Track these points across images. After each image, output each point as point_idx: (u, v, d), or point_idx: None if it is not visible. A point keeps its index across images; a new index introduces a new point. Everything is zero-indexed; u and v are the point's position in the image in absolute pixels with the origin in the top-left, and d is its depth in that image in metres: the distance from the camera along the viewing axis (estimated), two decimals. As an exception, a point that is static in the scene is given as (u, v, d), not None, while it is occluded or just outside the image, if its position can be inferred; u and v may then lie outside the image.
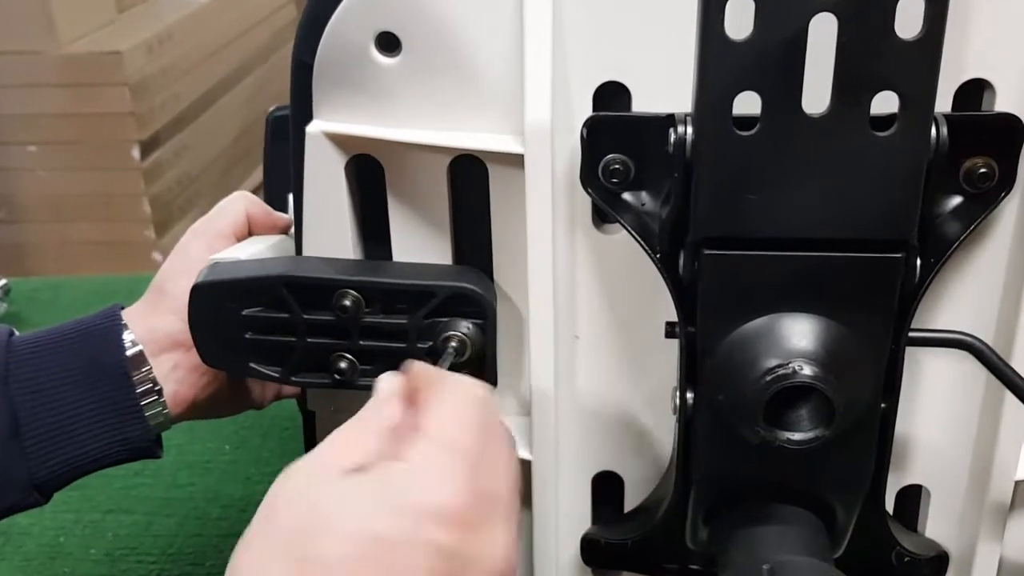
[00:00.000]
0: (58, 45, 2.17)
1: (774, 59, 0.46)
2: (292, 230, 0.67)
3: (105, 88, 2.21)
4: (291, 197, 0.64)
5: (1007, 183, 0.52)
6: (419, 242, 0.61)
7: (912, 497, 0.64)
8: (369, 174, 0.61)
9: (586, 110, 0.55)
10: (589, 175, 0.54)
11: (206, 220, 0.70)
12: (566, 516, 0.63)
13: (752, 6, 0.45)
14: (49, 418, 0.64)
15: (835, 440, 0.50)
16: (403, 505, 0.43)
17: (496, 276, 0.61)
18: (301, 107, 0.60)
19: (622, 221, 0.54)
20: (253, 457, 1.04)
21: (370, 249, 0.63)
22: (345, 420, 0.64)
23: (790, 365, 0.49)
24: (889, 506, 0.62)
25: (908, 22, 0.45)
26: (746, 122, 0.47)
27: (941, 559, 0.62)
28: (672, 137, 0.49)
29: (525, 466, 0.61)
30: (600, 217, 0.58)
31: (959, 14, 0.51)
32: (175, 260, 0.69)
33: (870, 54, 0.45)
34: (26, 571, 0.91)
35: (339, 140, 0.59)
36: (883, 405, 0.53)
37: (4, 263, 2.22)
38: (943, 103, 0.52)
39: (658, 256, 0.53)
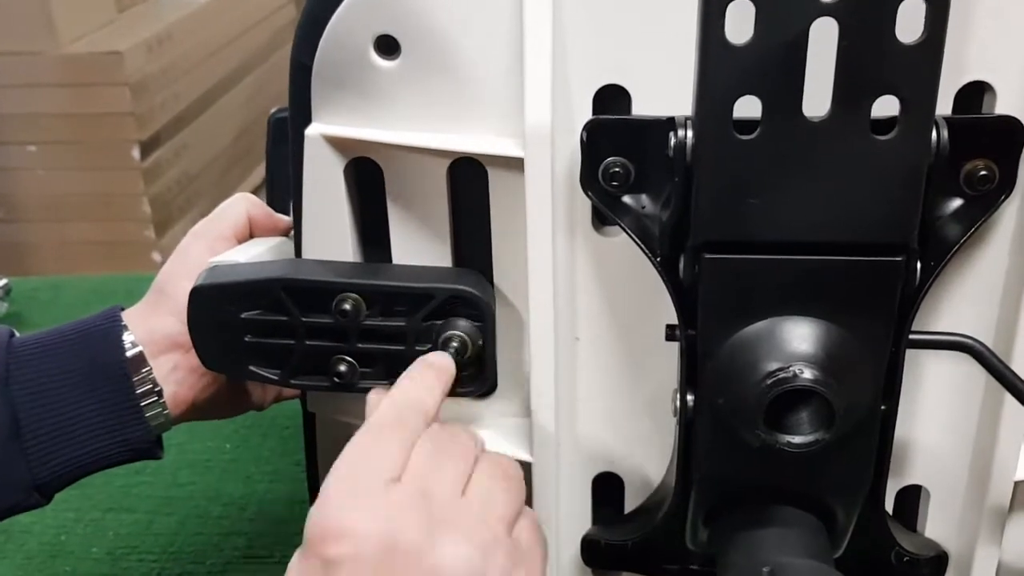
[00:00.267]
0: (58, 45, 2.17)
1: (775, 63, 0.46)
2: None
3: (105, 88, 2.21)
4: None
5: (1007, 186, 0.52)
6: (419, 245, 0.61)
7: (912, 497, 0.64)
8: (368, 177, 0.60)
9: (586, 113, 0.55)
10: (589, 178, 0.54)
11: (207, 222, 0.70)
12: (566, 517, 0.63)
13: (752, 10, 0.45)
14: (50, 419, 0.64)
15: (835, 443, 0.50)
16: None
17: (496, 278, 0.61)
18: (300, 109, 0.60)
19: (622, 224, 0.54)
20: (253, 456, 1.04)
21: (369, 252, 0.63)
22: (345, 422, 0.65)
23: (791, 369, 0.49)
24: (889, 506, 0.62)
25: (909, 26, 0.45)
26: (747, 126, 0.47)
27: (940, 559, 0.62)
28: (672, 141, 0.49)
29: (526, 467, 0.61)
30: (600, 219, 0.57)
31: (960, 16, 0.51)
32: (175, 262, 0.69)
33: (871, 58, 0.45)
34: (27, 569, 0.91)
35: (338, 143, 0.59)
36: (883, 407, 0.53)
37: (3, 263, 2.22)
38: (943, 105, 0.52)
39: (658, 260, 0.53)
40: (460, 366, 0.59)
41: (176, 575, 0.89)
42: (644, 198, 0.54)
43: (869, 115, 0.47)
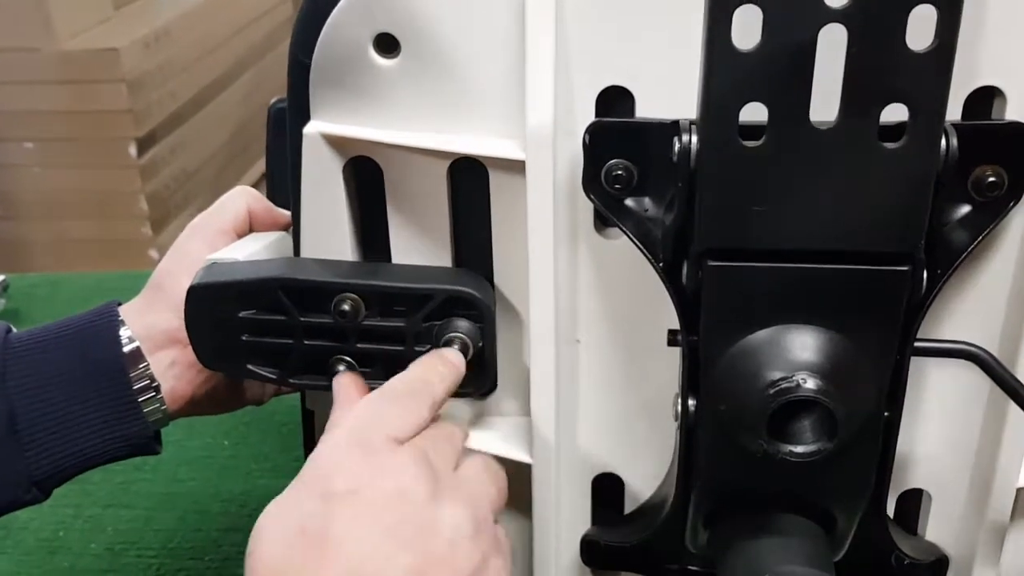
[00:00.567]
0: (55, 42, 2.17)
1: (782, 70, 0.45)
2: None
3: (102, 85, 2.20)
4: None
5: (1016, 192, 0.52)
6: (418, 245, 0.61)
7: (913, 500, 0.64)
8: (368, 176, 0.60)
9: (588, 115, 0.54)
10: (591, 181, 0.53)
11: (206, 215, 0.70)
12: (566, 517, 0.63)
13: (760, 15, 0.44)
14: (47, 415, 0.63)
15: (838, 451, 0.50)
16: None
17: (497, 279, 0.60)
18: (298, 106, 0.59)
19: (624, 228, 0.53)
20: (253, 452, 1.04)
21: (369, 251, 0.63)
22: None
23: (793, 378, 0.49)
24: (890, 509, 0.62)
25: (919, 33, 0.44)
26: (752, 132, 0.47)
27: (941, 563, 0.62)
28: (677, 146, 0.49)
29: (525, 469, 0.61)
30: (602, 222, 0.57)
31: (971, 21, 0.50)
32: (174, 257, 0.68)
33: (880, 66, 0.45)
34: (26, 565, 0.91)
35: (337, 142, 0.59)
36: (886, 415, 0.53)
37: (1, 259, 2.22)
38: (953, 110, 0.51)
39: (661, 265, 0.53)
40: None
41: (175, 571, 0.89)
42: (647, 201, 0.54)
43: (877, 123, 0.46)
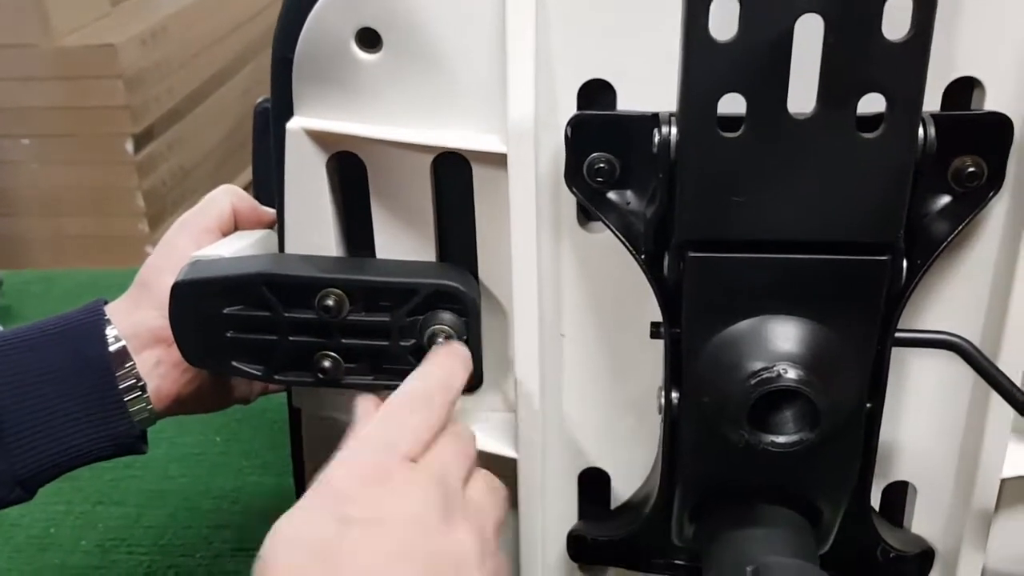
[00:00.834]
0: (52, 38, 2.17)
1: (759, 60, 0.45)
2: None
3: (99, 81, 2.20)
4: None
5: (996, 182, 0.52)
6: (402, 239, 0.61)
7: (898, 493, 0.63)
8: (352, 171, 0.60)
9: (570, 108, 0.54)
10: (573, 174, 0.53)
11: (192, 214, 0.70)
12: (552, 512, 0.63)
13: (737, 6, 0.44)
14: (32, 414, 0.63)
15: (820, 441, 0.50)
16: None
17: (481, 274, 0.60)
18: (281, 102, 0.59)
19: (606, 221, 0.53)
20: (244, 449, 1.04)
21: (353, 246, 0.63)
22: (330, 418, 0.65)
23: (775, 368, 0.49)
24: (876, 502, 0.62)
25: (896, 23, 0.44)
26: (731, 123, 0.47)
27: (926, 555, 0.62)
28: (656, 138, 0.49)
29: (510, 464, 0.61)
30: (585, 215, 0.57)
31: (948, 11, 0.50)
32: (160, 255, 0.68)
33: (857, 56, 0.45)
34: (16, 562, 0.91)
35: (320, 137, 0.59)
36: (869, 405, 0.53)
37: (-3, 256, 2.23)
38: (932, 101, 0.52)
39: (643, 257, 0.53)
40: None
41: (166, 567, 0.89)
42: (629, 194, 0.54)
43: (855, 113, 0.46)
